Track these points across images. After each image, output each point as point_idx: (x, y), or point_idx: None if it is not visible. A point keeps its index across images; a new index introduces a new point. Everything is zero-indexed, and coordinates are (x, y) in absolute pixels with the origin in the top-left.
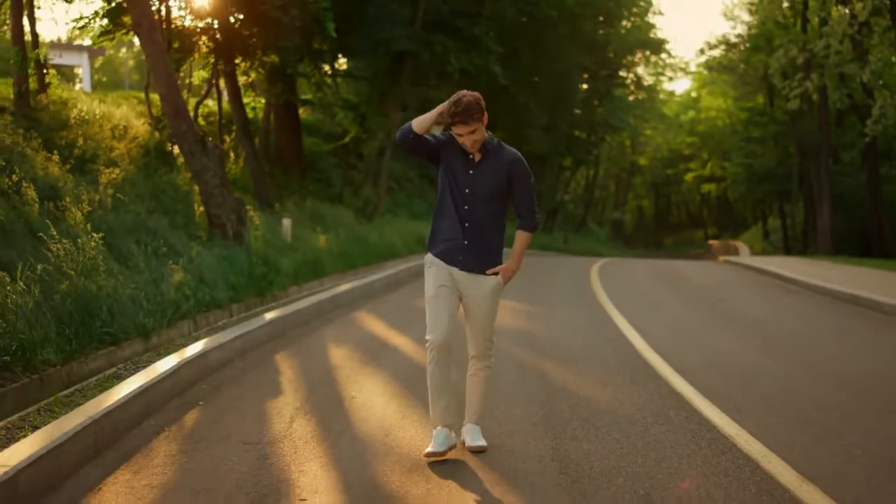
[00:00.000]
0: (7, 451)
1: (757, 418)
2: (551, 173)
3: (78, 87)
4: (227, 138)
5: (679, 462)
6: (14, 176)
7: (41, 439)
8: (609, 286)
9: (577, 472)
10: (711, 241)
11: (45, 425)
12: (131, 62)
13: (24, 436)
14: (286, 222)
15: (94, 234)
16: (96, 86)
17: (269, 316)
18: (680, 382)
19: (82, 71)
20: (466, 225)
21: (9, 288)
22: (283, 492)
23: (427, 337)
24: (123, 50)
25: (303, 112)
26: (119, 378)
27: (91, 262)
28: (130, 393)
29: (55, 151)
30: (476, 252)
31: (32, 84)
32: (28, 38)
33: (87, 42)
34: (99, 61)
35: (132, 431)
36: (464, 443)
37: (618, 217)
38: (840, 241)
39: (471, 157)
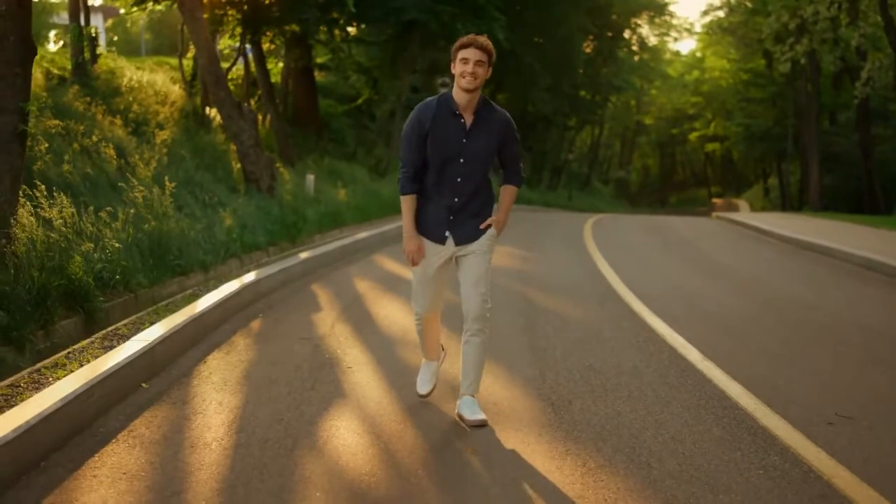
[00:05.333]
0: (142, 334)
1: (690, 326)
2: (556, 133)
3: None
4: (252, 102)
5: (620, 350)
6: (94, 137)
7: (162, 328)
8: (599, 236)
9: (544, 354)
10: (715, 200)
11: (157, 322)
12: (141, 22)
13: (146, 327)
14: (310, 178)
15: (168, 185)
16: (110, 45)
17: (302, 255)
18: (638, 305)
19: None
20: (456, 200)
21: (113, 226)
22: (334, 364)
23: (414, 309)
24: (134, 9)
25: (318, 75)
26: (197, 296)
27: (164, 210)
28: (210, 305)
29: (117, 116)
30: (465, 222)
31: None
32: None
33: (99, 1)
34: (110, 22)
35: (214, 332)
36: (461, 417)
37: (622, 175)
38: (834, 198)
39: (463, 121)
